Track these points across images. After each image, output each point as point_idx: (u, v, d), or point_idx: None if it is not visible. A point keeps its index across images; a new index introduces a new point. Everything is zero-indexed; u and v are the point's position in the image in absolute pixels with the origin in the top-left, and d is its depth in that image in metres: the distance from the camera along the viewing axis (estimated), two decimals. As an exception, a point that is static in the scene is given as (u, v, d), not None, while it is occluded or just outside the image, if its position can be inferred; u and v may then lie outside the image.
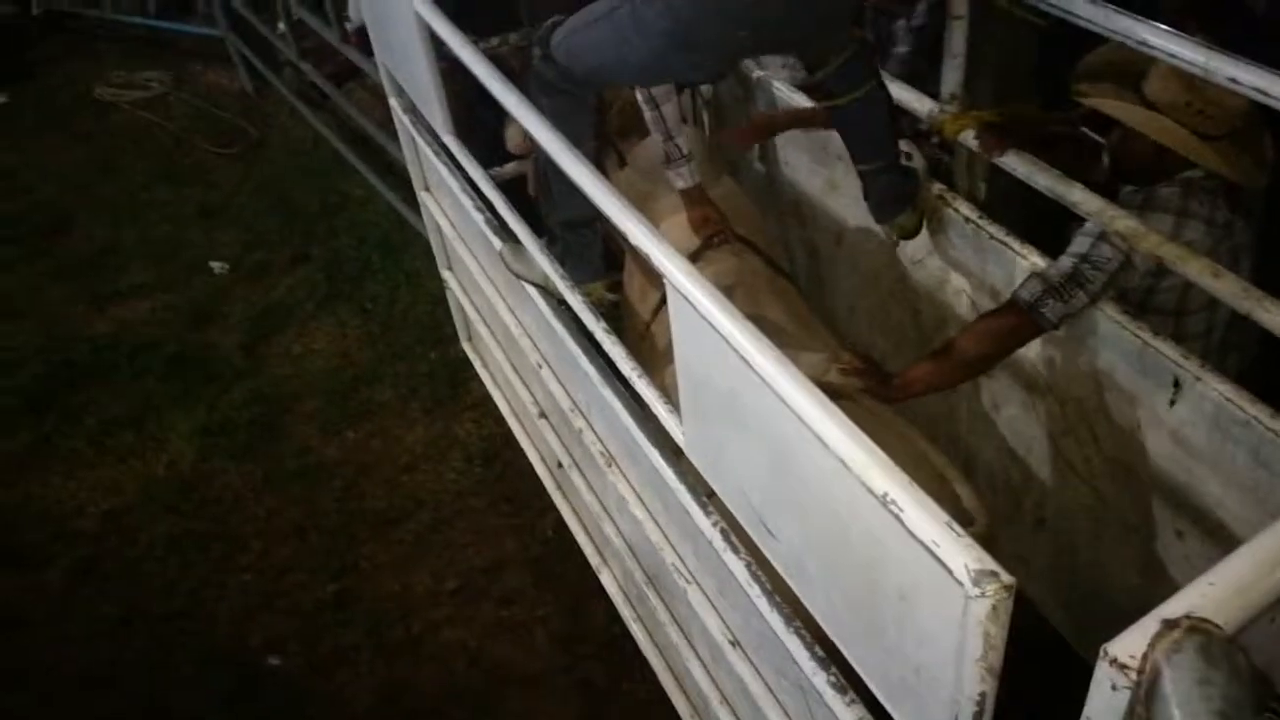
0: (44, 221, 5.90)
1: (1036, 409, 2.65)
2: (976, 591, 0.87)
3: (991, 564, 0.88)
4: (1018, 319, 2.25)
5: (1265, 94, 1.80)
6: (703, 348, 1.37)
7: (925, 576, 0.94)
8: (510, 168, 3.56)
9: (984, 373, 2.49)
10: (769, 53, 3.20)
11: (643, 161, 3.24)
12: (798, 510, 1.26)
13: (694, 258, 2.77)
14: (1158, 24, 2.01)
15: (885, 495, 0.99)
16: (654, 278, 2.71)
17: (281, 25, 5.69)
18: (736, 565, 1.59)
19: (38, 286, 5.35)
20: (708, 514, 1.71)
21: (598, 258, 2.65)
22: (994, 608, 0.87)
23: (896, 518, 0.96)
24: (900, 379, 2.34)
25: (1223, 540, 2.21)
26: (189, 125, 6.68)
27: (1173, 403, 2.25)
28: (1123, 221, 2.24)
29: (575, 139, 2.38)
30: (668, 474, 1.83)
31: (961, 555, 0.90)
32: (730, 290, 2.60)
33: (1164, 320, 2.33)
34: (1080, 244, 2.25)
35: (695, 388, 1.50)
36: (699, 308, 1.33)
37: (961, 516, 1.89)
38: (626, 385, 1.99)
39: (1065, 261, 2.25)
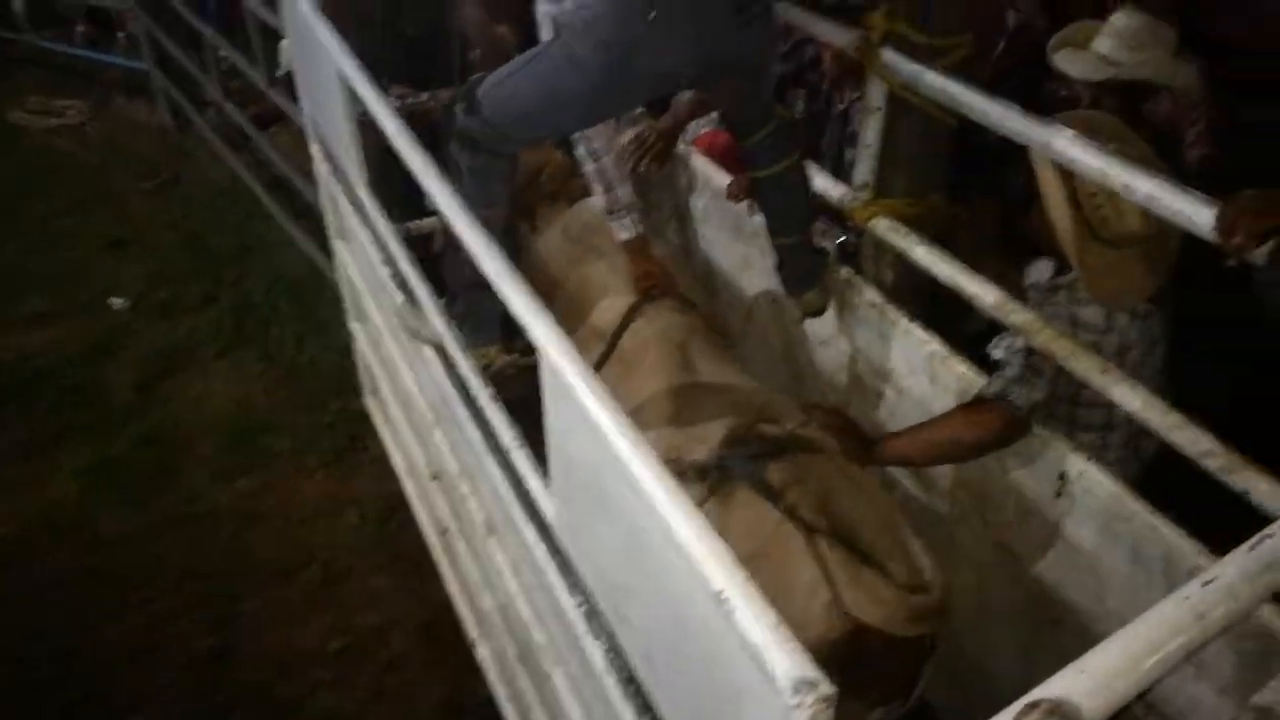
0: (-63, 243, 5.73)
1: (930, 490, 2.65)
2: (795, 700, 0.83)
3: (813, 673, 0.85)
4: (988, 409, 2.23)
5: (1154, 200, 1.83)
6: (571, 425, 1.35)
7: (752, 679, 0.91)
8: (429, 222, 3.52)
9: (957, 461, 2.44)
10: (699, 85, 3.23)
11: (575, 226, 3.21)
12: (648, 596, 1.22)
13: (635, 309, 2.74)
14: (1064, 129, 2.04)
15: (720, 593, 0.96)
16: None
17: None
18: (594, 650, 1.54)
19: (-74, 309, 5.17)
20: (572, 594, 1.66)
21: (495, 320, 2.62)
22: (812, 718, 0.84)
23: (727, 617, 0.93)
24: (876, 446, 2.34)
25: (1098, 634, 2.21)
26: (105, 157, 6.58)
27: (1058, 494, 2.26)
28: (1019, 315, 2.27)
29: (491, 199, 2.40)
30: (538, 549, 1.78)
31: (784, 661, 0.86)
32: (684, 345, 2.58)
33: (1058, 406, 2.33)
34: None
35: (564, 463, 1.46)
36: (568, 384, 1.31)
37: (919, 584, 1.86)
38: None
39: (1016, 356, 2.24)
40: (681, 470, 2.00)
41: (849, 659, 1.79)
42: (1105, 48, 2.86)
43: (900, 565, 1.86)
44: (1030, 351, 2.22)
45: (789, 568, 1.79)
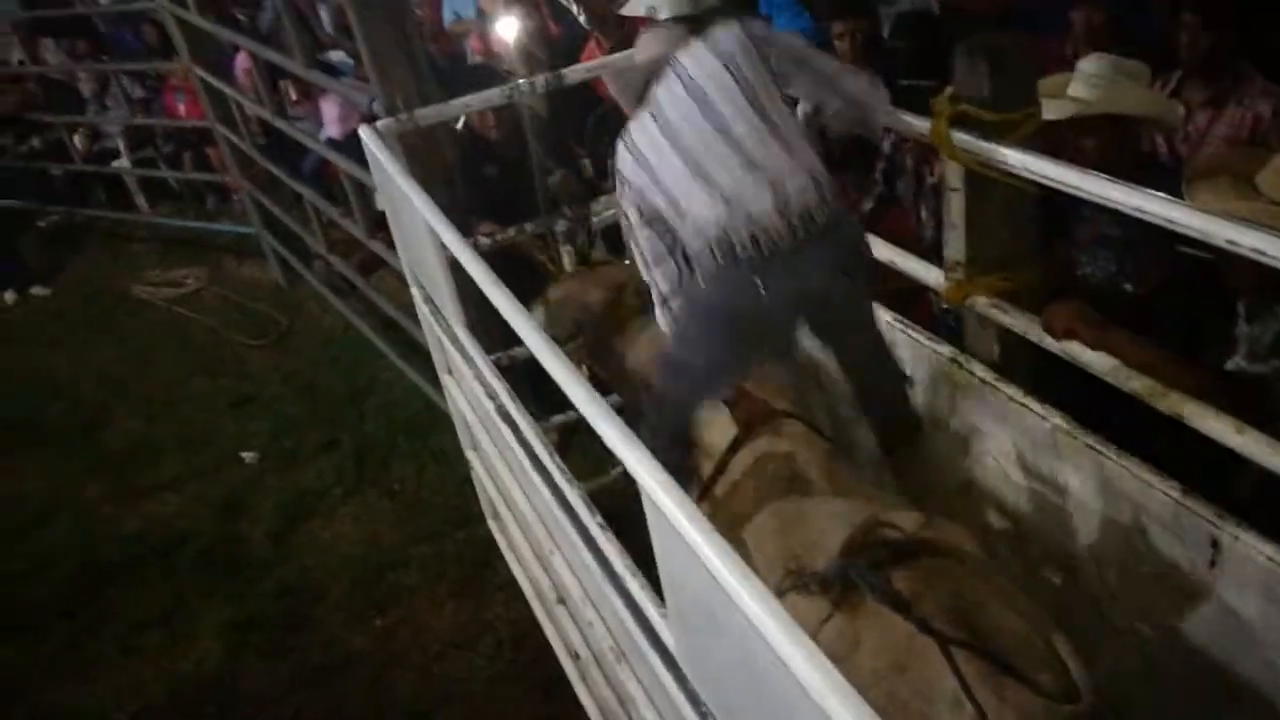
0: (81, 419, 6.04)
1: (1078, 575, 2.53)
2: None
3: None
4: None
5: (1263, 254, 1.74)
6: (680, 559, 1.32)
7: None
8: (520, 352, 3.56)
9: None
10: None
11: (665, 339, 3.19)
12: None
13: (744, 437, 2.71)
14: (1149, 190, 1.98)
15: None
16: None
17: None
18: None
19: (72, 485, 5.41)
20: (701, 723, 1.61)
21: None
22: None
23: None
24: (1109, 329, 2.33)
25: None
26: (223, 318, 6.89)
27: (1213, 564, 2.13)
28: (1138, 381, 2.18)
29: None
30: (665, 678, 1.73)
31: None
32: (791, 456, 2.53)
33: None
34: None
35: (678, 594, 1.43)
36: (675, 523, 1.29)
37: (1069, 689, 1.76)
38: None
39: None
40: (804, 582, 1.94)
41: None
42: (1075, 90, 2.89)
43: (1047, 673, 1.74)
44: None
45: (928, 683, 1.70)
